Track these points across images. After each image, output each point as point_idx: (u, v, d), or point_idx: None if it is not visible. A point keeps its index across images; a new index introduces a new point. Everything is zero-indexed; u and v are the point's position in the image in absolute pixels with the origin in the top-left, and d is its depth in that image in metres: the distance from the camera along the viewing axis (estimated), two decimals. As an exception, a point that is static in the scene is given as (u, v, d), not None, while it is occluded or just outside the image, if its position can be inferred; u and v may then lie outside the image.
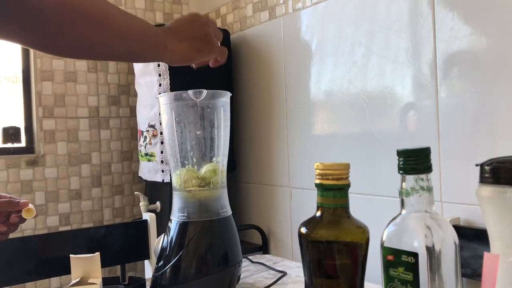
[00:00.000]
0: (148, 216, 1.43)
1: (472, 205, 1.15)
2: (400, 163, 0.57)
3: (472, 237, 1.08)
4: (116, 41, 0.66)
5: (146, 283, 0.94)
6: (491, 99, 1.13)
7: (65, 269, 0.89)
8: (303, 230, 0.60)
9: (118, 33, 0.65)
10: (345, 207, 0.60)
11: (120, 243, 1.37)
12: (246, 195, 1.94)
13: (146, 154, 1.81)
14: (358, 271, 0.59)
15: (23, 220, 0.86)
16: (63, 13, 0.58)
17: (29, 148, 1.93)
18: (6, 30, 0.57)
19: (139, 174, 1.93)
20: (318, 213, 0.60)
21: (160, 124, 1.73)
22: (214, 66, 0.84)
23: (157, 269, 0.92)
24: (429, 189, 0.57)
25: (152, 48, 0.72)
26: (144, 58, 0.83)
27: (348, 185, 0.60)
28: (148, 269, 1.45)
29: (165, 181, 1.75)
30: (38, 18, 0.57)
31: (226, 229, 0.94)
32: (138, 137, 1.88)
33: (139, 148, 1.88)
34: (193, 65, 0.83)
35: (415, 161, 0.56)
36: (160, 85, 1.74)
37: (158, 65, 1.74)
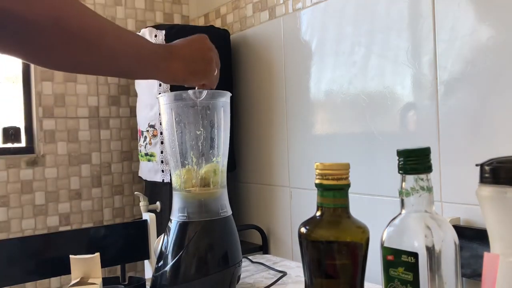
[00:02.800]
0: (148, 216, 1.43)
1: (472, 205, 1.15)
2: (400, 163, 0.57)
3: (472, 237, 1.08)
4: (107, 61, 0.67)
5: (146, 283, 0.94)
6: (491, 99, 1.13)
7: (65, 269, 0.89)
8: (303, 230, 0.60)
9: (111, 53, 0.66)
10: (345, 207, 0.60)
11: (120, 243, 1.37)
12: (246, 195, 1.94)
13: (146, 154, 1.81)
14: (358, 271, 0.59)
15: None
16: (57, 29, 0.58)
17: (29, 148, 1.93)
18: (2, 43, 0.58)
19: (139, 174, 1.93)
20: (318, 213, 0.60)
21: (160, 124, 1.73)
22: (200, 89, 0.86)
23: (157, 269, 0.92)
24: (429, 189, 0.57)
25: (143, 68, 0.73)
26: (135, 76, 0.85)
27: (348, 185, 0.60)
28: (148, 269, 1.45)
29: (165, 181, 1.75)
30: (32, 32, 0.57)
31: (226, 229, 0.94)
32: (138, 137, 1.88)
33: (139, 148, 1.88)
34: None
35: (415, 161, 0.56)
36: (160, 85, 1.74)
37: (158, 65, 1.74)
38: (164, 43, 1.74)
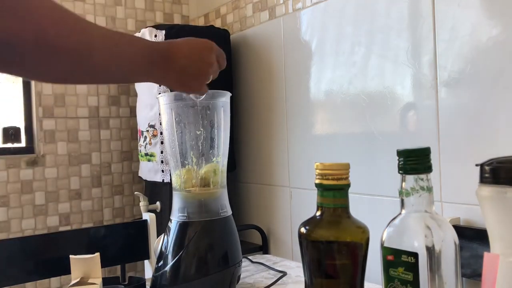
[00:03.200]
0: (148, 216, 1.43)
1: (472, 205, 1.15)
2: (400, 163, 0.57)
3: (472, 237, 1.08)
4: (99, 74, 0.67)
5: (146, 283, 0.94)
6: (491, 99, 1.13)
7: (65, 269, 0.89)
8: (303, 230, 0.60)
9: (102, 68, 0.65)
10: (345, 207, 0.60)
11: (120, 243, 1.37)
12: (246, 195, 1.94)
13: (146, 154, 1.81)
14: (358, 271, 0.59)
15: None
16: (40, 49, 0.56)
17: (29, 148, 1.93)
18: None
19: (139, 174, 1.93)
20: (318, 213, 0.60)
21: (160, 124, 1.73)
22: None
23: (157, 269, 0.92)
24: (429, 189, 0.57)
25: (135, 75, 0.73)
26: (128, 81, 0.85)
27: (348, 185, 0.60)
28: (148, 269, 1.45)
29: (165, 181, 1.75)
30: (14, 54, 0.55)
31: (226, 229, 0.94)
32: (138, 137, 1.88)
33: (139, 148, 1.88)
34: None
35: (415, 161, 0.56)
36: (160, 85, 1.74)
37: (158, 65, 1.74)
38: (164, 43, 1.74)
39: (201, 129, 0.93)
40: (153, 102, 1.76)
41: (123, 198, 2.10)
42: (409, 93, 1.31)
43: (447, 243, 0.56)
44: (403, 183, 0.57)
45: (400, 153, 0.58)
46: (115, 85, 2.09)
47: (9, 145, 1.89)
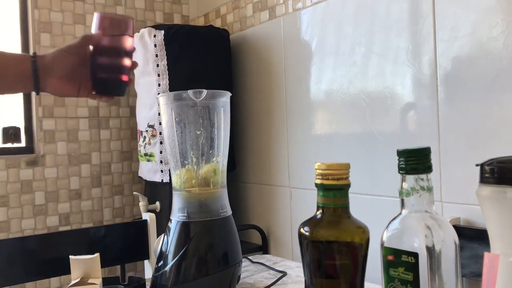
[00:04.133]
0: (148, 216, 1.43)
1: (472, 205, 1.15)
2: (401, 163, 0.57)
3: (472, 237, 1.08)
4: None
5: (146, 283, 0.95)
6: (491, 99, 1.13)
7: (65, 269, 0.88)
8: (303, 230, 0.60)
9: None
10: (345, 207, 0.60)
11: (120, 243, 1.37)
12: (246, 195, 1.94)
13: (146, 154, 1.81)
14: (358, 271, 0.59)
15: None
16: None
17: (29, 148, 1.92)
18: None
19: (139, 174, 1.93)
20: (318, 213, 0.60)
21: (160, 124, 1.73)
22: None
23: (157, 269, 0.92)
24: (429, 189, 0.57)
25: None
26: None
27: (348, 185, 0.60)
28: (148, 269, 1.45)
29: (164, 181, 1.75)
30: None
31: (226, 229, 0.94)
32: (138, 137, 1.88)
33: (138, 148, 1.88)
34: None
35: (415, 161, 0.56)
36: (159, 85, 1.74)
37: (157, 65, 1.74)
38: (163, 43, 1.74)
39: (201, 129, 0.93)
40: (152, 102, 1.76)
41: (123, 198, 2.10)
42: (409, 93, 1.31)
43: (447, 243, 0.56)
44: (403, 183, 0.57)
45: (400, 153, 0.58)
46: (115, 85, 2.09)
47: (9, 145, 1.88)
